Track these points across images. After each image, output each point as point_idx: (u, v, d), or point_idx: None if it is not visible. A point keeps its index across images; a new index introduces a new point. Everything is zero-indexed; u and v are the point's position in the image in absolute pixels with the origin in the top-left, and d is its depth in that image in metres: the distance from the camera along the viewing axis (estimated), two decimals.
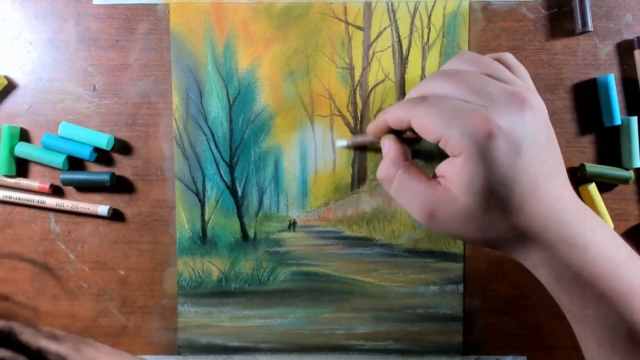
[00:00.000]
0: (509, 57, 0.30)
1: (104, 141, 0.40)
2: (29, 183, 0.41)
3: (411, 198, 0.28)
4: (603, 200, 0.40)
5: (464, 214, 0.26)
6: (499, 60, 0.30)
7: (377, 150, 0.41)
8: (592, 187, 0.39)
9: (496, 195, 0.25)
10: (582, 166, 0.39)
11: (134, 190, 0.41)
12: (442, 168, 0.28)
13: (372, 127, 0.33)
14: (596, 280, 0.26)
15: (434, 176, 0.29)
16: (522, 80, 0.29)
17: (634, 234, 0.41)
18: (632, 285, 0.26)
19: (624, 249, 0.27)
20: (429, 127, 0.26)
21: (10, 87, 0.41)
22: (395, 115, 0.29)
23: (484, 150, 0.24)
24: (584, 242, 0.26)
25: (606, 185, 0.41)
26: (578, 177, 0.40)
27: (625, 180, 0.39)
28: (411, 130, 0.29)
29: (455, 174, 0.26)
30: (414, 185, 0.28)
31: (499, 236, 0.27)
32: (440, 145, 0.26)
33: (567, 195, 0.27)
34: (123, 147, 0.41)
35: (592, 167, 0.39)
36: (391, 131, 0.32)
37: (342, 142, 0.39)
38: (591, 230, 0.27)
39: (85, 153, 0.40)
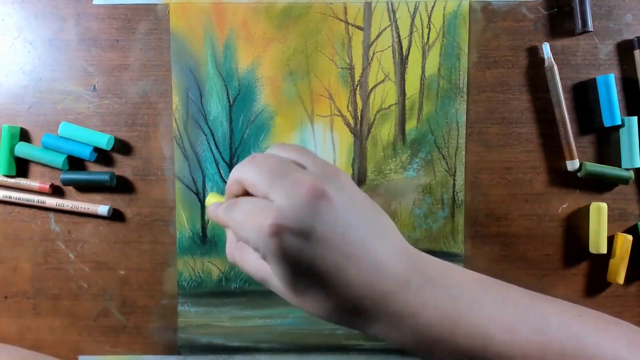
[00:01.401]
0: (299, 151, 0.30)
1: (104, 141, 0.40)
2: (29, 183, 0.41)
3: (250, 272, 0.29)
4: (603, 200, 0.40)
5: (284, 292, 0.27)
6: (297, 157, 0.30)
7: (378, 150, 0.41)
8: (603, 207, 0.40)
9: (303, 283, 0.26)
10: (582, 165, 0.39)
11: (134, 190, 0.41)
12: None
13: (211, 217, 0.32)
14: (438, 343, 0.26)
15: None
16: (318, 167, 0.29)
17: (633, 233, 0.41)
18: (483, 335, 0.25)
19: (465, 295, 0.26)
20: (238, 233, 0.27)
21: (10, 87, 0.41)
22: (221, 220, 0.29)
23: (273, 248, 0.25)
24: (411, 312, 0.25)
25: (606, 185, 0.41)
26: (578, 177, 0.40)
27: (625, 180, 0.39)
28: None
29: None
30: (250, 264, 0.29)
31: (324, 314, 0.27)
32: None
33: (391, 262, 0.26)
34: (123, 147, 0.41)
35: (592, 167, 0.39)
36: None
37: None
38: (418, 291, 0.26)
39: (85, 153, 0.40)
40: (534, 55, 0.40)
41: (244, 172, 0.28)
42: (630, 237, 0.40)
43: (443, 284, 0.26)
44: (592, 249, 0.40)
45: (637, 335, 0.26)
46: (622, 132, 0.40)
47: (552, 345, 0.25)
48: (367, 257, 0.26)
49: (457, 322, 0.25)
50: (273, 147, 0.30)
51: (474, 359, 0.25)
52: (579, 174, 0.40)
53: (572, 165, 0.40)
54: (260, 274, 0.28)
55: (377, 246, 0.26)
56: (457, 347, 0.25)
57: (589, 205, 0.40)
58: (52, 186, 0.41)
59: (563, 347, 0.25)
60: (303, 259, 0.25)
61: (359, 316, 0.26)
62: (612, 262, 0.40)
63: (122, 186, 0.41)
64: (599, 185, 0.40)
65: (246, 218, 0.26)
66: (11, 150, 0.40)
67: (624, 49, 0.40)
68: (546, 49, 0.39)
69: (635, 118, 0.39)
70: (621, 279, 0.40)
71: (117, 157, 0.41)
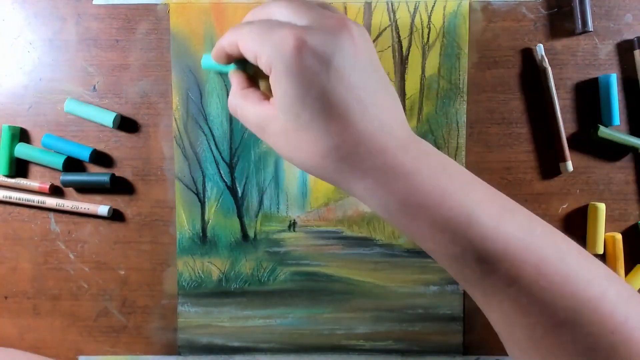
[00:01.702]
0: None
1: (109, 118, 0.39)
2: (29, 183, 0.41)
3: (249, 120, 0.29)
4: (603, 200, 0.41)
5: (281, 132, 0.26)
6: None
7: None
8: (601, 207, 0.40)
9: (307, 112, 0.25)
10: (597, 128, 0.39)
11: (134, 190, 0.41)
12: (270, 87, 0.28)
13: (213, 53, 0.32)
14: (423, 210, 0.25)
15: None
16: None
17: (633, 233, 0.41)
18: (469, 213, 0.24)
19: (460, 176, 0.26)
20: (247, 46, 0.26)
21: (10, 87, 0.41)
22: (228, 38, 0.29)
23: (289, 64, 0.24)
24: (405, 169, 0.25)
25: (615, 155, 0.40)
26: (589, 139, 0.40)
27: (635, 149, 0.39)
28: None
29: (273, 91, 0.26)
30: (250, 108, 0.29)
31: (315, 159, 0.26)
32: (258, 64, 0.26)
33: (395, 125, 0.26)
34: (123, 147, 0.41)
35: (605, 130, 0.39)
36: (236, 61, 0.31)
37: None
38: (415, 158, 0.25)
39: (84, 154, 0.40)
40: (534, 55, 0.40)
41: (267, 9, 0.27)
42: (619, 236, 0.40)
43: (439, 161, 0.26)
44: (589, 250, 0.40)
45: (613, 273, 0.26)
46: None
47: (533, 246, 0.24)
48: (375, 110, 0.25)
49: (447, 194, 0.25)
50: None
51: (454, 234, 0.25)
52: (591, 136, 0.40)
53: (566, 167, 0.40)
54: (261, 118, 0.27)
55: (385, 106, 0.26)
56: (440, 218, 0.25)
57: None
58: (52, 186, 0.41)
59: (544, 254, 0.24)
60: (318, 83, 0.24)
61: (350, 166, 0.25)
62: (609, 263, 0.40)
63: (122, 186, 0.41)
64: (608, 153, 0.40)
65: (267, 30, 0.25)
66: (11, 150, 0.40)
67: (624, 49, 0.40)
68: (540, 50, 0.39)
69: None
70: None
71: (117, 157, 0.41)
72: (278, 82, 0.25)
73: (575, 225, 0.41)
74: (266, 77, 0.27)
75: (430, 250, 0.26)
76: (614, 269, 0.40)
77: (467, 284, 0.26)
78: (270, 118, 0.27)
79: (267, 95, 0.29)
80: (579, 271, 0.25)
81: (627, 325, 0.24)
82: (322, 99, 0.25)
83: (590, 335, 0.24)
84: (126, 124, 0.41)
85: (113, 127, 0.40)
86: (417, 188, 0.25)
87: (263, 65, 0.26)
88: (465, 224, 0.24)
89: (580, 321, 0.24)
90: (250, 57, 0.27)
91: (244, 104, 0.29)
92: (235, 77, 0.31)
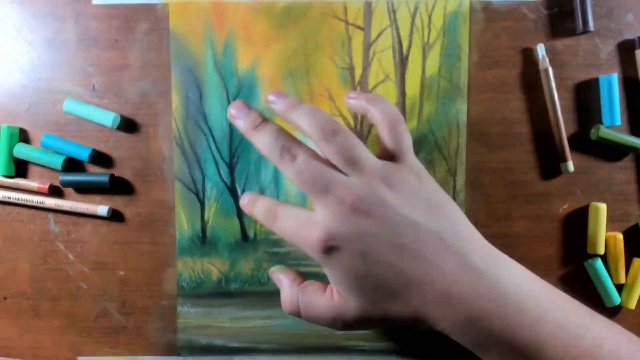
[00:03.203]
0: (379, 106, 0.31)
1: (109, 118, 0.39)
2: (28, 184, 0.40)
3: (320, 316, 0.29)
4: (604, 200, 0.40)
5: (359, 313, 0.27)
6: (369, 112, 0.30)
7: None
8: (602, 207, 0.40)
9: (370, 290, 0.26)
10: (598, 128, 0.39)
11: (133, 190, 0.41)
12: None
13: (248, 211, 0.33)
14: (496, 348, 0.26)
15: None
16: (396, 142, 0.29)
17: (633, 233, 0.41)
18: (539, 347, 0.26)
19: (531, 310, 0.27)
20: (290, 242, 0.28)
21: (9, 87, 0.41)
22: (264, 223, 0.30)
23: (330, 263, 0.26)
24: (478, 316, 0.26)
25: (616, 155, 0.40)
26: (590, 140, 0.40)
27: (637, 149, 0.39)
28: None
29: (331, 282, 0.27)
30: (315, 303, 0.29)
31: (404, 322, 0.27)
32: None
33: (456, 268, 0.27)
34: (123, 147, 0.41)
35: (606, 131, 0.39)
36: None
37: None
38: (486, 301, 0.26)
39: (84, 154, 0.40)
40: (535, 55, 0.40)
41: (290, 174, 0.28)
42: (620, 235, 0.40)
43: (513, 293, 0.27)
44: (590, 250, 0.40)
45: None
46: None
47: None
48: (427, 266, 0.26)
49: (517, 335, 0.26)
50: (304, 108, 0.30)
51: None
52: (591, 136, 0.40)
53: (566, 167, 0.40)
54: (334, 312, 0.28)
55: (440, 248, 0.27)
56: (510, 351, 0.26)
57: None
58: (52, 187, 0.41)
59: None
60: (361, 272, 0.26)
61: (426, 315, 0.27)
62: (610, 263, 0.40)
63: (122, 186, 0.41)
64: (610, 153, 0.40)
65: (295, 233, 0.27)
66: (10, 150, 0.40)
67: (625, 49, 0.40)
68: (541, 50, 0.39)
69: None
70: (622, 278, 0.40)
71: (117, 157, 0.41)
72: (330, 275, 0.27)
73: (576, 226, 0.41)
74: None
75: None
76: (615, 268, 0.40)
77: None
78: (344, 306, 0.27)
79: (324, 285, 0.30)
80: None
81: None
82: (375, 282, 0.26)
83: None
84: (126, 124, 0.41)
85: (113, 127, 0.40)
86: (488, 330, 0.26)
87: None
88: (533, 357, 0.26)
89: None
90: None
91: (307, 300, 0.29)
92: (285, 277, 0.31)
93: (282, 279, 0.31)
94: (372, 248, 0.25)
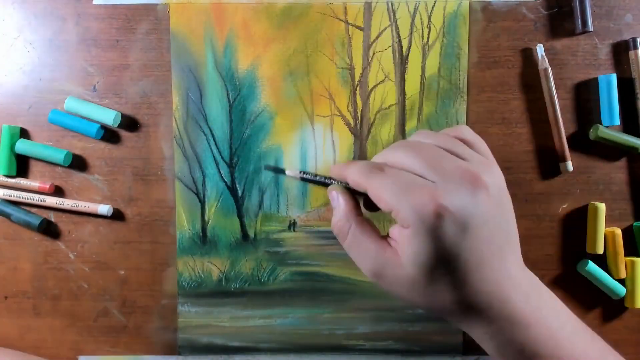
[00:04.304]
0: (466, 130, 0.30)
1: (110, 117, 0.39)
2: (29, 183, 0.41)
3: (362, 255, 0.29)
4: (604, 200, 0.40)
5: (408, 282, 0.27)
6: (458, 136, 0.30)
7: (378, 150, 0.41)
8: (600, 207, 0.40)
9: (440, 270, 0.26)
10: (597, 128, 0.39)
11: (133, 190, 0.41)
12: (394, 231, 0.28)
13: (334, 173, 0.32)
14: (537, 358, 0.27)
15: (387, 235, 0.29)
16: (482, 154, 0.29)
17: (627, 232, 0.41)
18: (576, 354, 0.27)
19: (569, 324, 0.28)
20: (382, 198, 0.27)
21: (10, 87, 0.41)
22: (354, 179, 0.29)
23: (430, 228, 0.25)
24: (526, 321, 0.26)
25: (615, 155, 0.40)
26: (589, 139, 0.40)
27: (635, 149, 0.39)
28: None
29: (403, 243, 0.27)
30: (365, 242, 0.29)
31: (443, 307, 0.27)
32: (392, 216, 0.27)
33: (515, 272, 0.27)
34: (123, 147, 0.41)
35: (605, 130, 0.39)
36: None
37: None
38: (535, 308, 0.27)
39: (91, 130, 0.40)
40: (534, 55, 0.40)
41: (398, 157, 0.28)
42: (619, 231, 0.40)
43: (552, 307, 0.28)
44: (589, 250, 0.40)
45: None
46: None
47: None
48: (500, 260, 0.27)
49: (560, 345, 0.27)
50: (425, 135, 0.29)
51: None
52: (590, 135, 0.40)
53: (566, 167, 0.40)
54: (381, 262, 0.28)
55: (509, 252, 0.27)
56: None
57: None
58: (52, 186, 0.41)
59: None
60: (455, 246, 0.25)
61: (475, 314, 0.27)
62: (609, 259, 0.40)
63: (122, 186, 0.41)
64: (609, 152, 0.40)
65: (403, 188, 0.26)
66: (11, 149, 0.40)
67: (624, 49, 0.40)
68: (540, 50, 0.39)
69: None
70: (623, 273, 0.40)
71: (117, 156, 0.41)
72: (415, 239, 0.26)
73: (575, 225, 0.41)
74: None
75: None
76: (614, 264, 0.40)
77: None
78: (393, 266, 0.27)
79: (377, 230, 0.29)
80: None
81: None
82: (455, 260, 0.26)
83: None
84: (126, 124, 0.41)
85: (114, 125, 0.40)
86: (534, 338, 0.27)
87: (400, 220, 0.26)
88: None
89: None
90: (383, 208, 0.27)
91: (359, 234, 0.29)
92: (346, 200, 0.30)
93: (341, 202, 0.30)
94: (482, 227, 0.25)
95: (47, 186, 0.40)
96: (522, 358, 0.27)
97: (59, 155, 0.40)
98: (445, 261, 0.26)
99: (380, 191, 0.27)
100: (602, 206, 0.40)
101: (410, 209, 0.25)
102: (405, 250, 0.26)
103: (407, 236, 0.26)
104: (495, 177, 0.27)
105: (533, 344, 0.27)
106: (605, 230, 0.40)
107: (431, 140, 0.29)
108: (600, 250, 0.40)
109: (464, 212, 0.25)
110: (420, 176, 0.26)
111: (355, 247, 0.29)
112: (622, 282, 0.40)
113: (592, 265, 0.40)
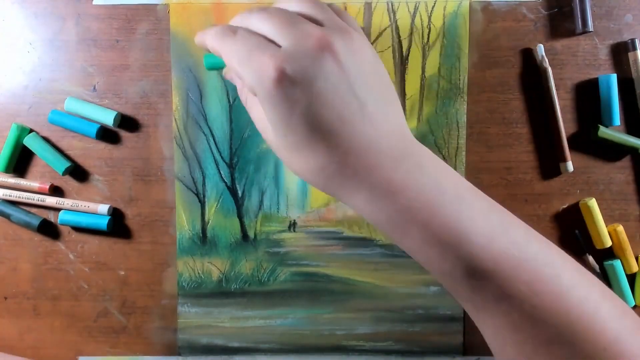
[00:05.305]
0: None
1: (110, 117, 0.39)
2: (29, 184, 0.40)
3: (257, 124, 0.29)
4: (604, 200, 0.40)
5: (277, 148, 0.27)
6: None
7: None
8: (591, 202, 0.40)
9: (293, 135, 0.25)
10: (597, 128, 0.39)
11: (134, 190, 0.41)
12: (249, 99, 0.29)
13: (197, 41, 0.31)
14: (413, 227, 0.25)
15: None
16: (348, 23, 0.28)
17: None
18: (459, 230, 0.24)
19: (453, 192, 0.25)
20: (230, 64, 0.26)
21: (10, 87, 0.41)
22: (211, 44, 0.28)
23: (273, 94, 0.24)
24: (393, 189, 0.25)
25: (615, 155, 0.40)
26: (589, 139, 0.40)
27: (636, 149, 0.39)
28: None
29: (259, 111, 0.27)
30: (255, 110, 0.29)
31: (312, 177, 0.26)
32: (242, 82, 0.27)
33: (385, 136, 0.26)
34: (123, 147, 0.41)
35: (606, 131, 0.39)
36: None
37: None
38: (405, 176, 0.25)
39: (91, 131, 0.40)
40: (534, 55, 0.40)
41: (251, 19, 0.27)
42: (620, 227, 0.40)
43: (433, 175, 0.26)
44: (598, 245, 0.40)
45: (607, 290, 0.26)
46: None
47: (527, 264, 0.24)
48: (362, 127, 0.25)
49: (437, 212, 0.25)
50: (289, 1, 0.28)
51: (444, 251, 0.25)
52: (591, 136, 0.40)
53: (566, 167, 0.40)
54: (262, 125, 0.28)
55: (379, 118, 0.26)
56: (429, 235, 0.25)
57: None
58: (52, 187, 0.41)
59: (537, 271, 0.24)
60: (300, 109, 0.24)
61: (341, 183, 0.26)
62: (619, 255, 0.41)
63: (122, 186, 0.41)
64: (609, 153, 0.40)
65: (247, 54, 0.25)
66: (15, 148, 0.40)
67: (624, 50, 0.40)
68: (540, 50, 0.39)
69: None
70: (635, 267, 0.40)
71: (117, 157, 0.41)
72: (263, 106, 0.25)
73: (576, 226, 0.41)
74: None
75: (423, 264, 0.26)
76: (625, 258, 0.40)
77: (459, 298, 0.27)
78: (266, 132, 0.27)
79: None
80: (573, 288, 0.25)
81: (619, 343, 0.24)
82: (305, 122, 0.25)
83: (581, 352, 0.24)
84: (126, 124, 0.41)
85: (114, 125, 0.40)
86: (406, 206, 0.25)
87: (247, 87, 0.26)
88: (454, 242, 0.24)
89: (572, 338, 0.24)
90: (234, 74, 0.27)
91: (250, 103, 0.29)
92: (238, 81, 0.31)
93: (237, 81, 0.31)
94: (328, 92, 0.24)
95: (47, 187, 0.40)
96: (397, 226, 0.25)
97: (59, 165, 0.40)
98: (294, 126, 0.25)
99: (228, 56, 0.26)
100: (592, 201, 0.40)
101: (252, 76, 0.25)
102: (262, 117, 0.26)
103: (257, 104, 0.26)
104: (351, 44, 0.26)
105: (404, 212, 0.25)
106: (608, 228, 0.40)
107: (295, 6, 0.27)
108: (608, 244, 0.40)
109: (304, 77, 0.24)
110: (272, 41, 0.25)
111: (252, 117, 0.29)
112: (633, 277, 0.41)
113: (618, 265, 0.40)
